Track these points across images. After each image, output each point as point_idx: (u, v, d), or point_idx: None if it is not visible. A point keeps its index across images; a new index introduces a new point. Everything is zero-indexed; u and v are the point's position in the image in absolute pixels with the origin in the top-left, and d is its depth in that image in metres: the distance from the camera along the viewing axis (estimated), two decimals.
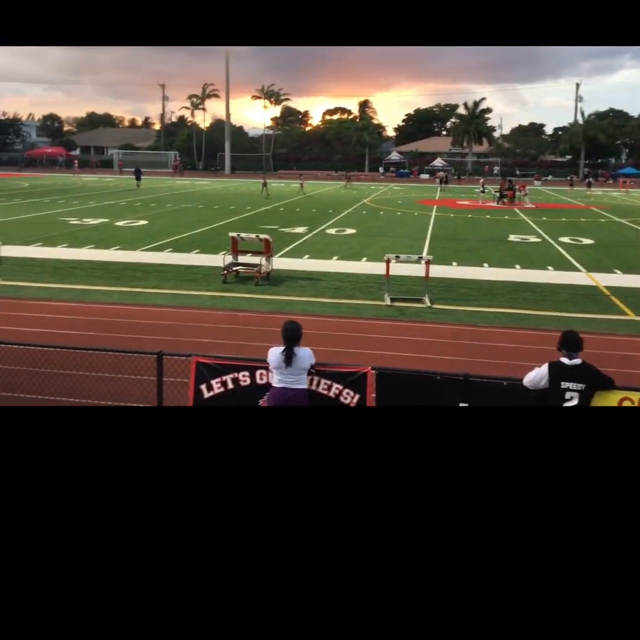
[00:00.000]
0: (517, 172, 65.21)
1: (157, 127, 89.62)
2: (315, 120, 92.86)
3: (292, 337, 5.66)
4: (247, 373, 6.02)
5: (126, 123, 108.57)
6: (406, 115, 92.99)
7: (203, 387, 6.08)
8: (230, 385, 6.06)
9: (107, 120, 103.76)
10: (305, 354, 5.66)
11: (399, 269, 13.54)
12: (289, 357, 5.59)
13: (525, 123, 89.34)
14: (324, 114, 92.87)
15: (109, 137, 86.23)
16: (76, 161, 61.57)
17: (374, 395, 5.71)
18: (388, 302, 12.19)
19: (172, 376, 6.21)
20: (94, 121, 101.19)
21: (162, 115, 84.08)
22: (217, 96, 75.81)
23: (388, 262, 12.55)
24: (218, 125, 75.53)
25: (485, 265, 16.58)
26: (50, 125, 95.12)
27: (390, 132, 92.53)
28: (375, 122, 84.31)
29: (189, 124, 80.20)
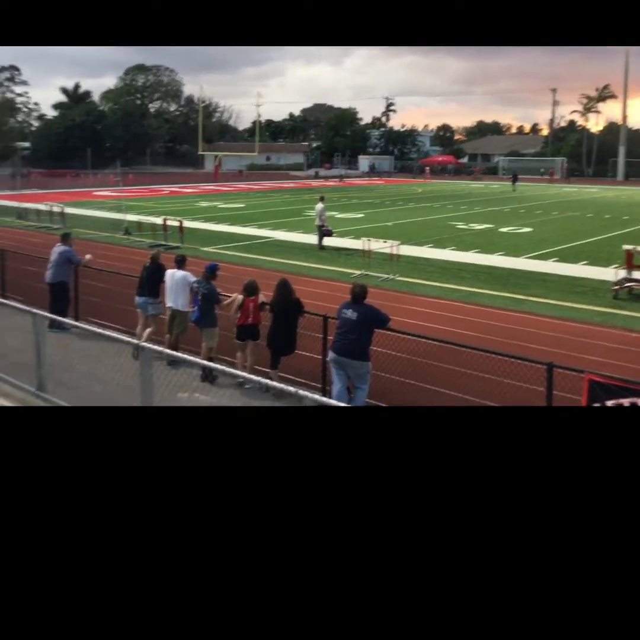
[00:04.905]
0: None
1: (545, 132, 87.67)
2: None
3: None
4: None
5: (513, 130, 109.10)
6: None
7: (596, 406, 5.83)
8: None
9: (495, 128, 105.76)
10: None
11: None
12: None
13: None
14: None
15: (495, 144, 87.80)
16: (428, 168, 64.84)
17: None
18: None
19: (560, 390, 6.10)
20: (482, 129, 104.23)
21: (551, 121, 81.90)
22: (613, 97, 70.35)
23: None
24: (612, 129, 70.05)
25: None
26: (443, 134, 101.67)
27: None
28: None
29: (578, 128, 76.28)
